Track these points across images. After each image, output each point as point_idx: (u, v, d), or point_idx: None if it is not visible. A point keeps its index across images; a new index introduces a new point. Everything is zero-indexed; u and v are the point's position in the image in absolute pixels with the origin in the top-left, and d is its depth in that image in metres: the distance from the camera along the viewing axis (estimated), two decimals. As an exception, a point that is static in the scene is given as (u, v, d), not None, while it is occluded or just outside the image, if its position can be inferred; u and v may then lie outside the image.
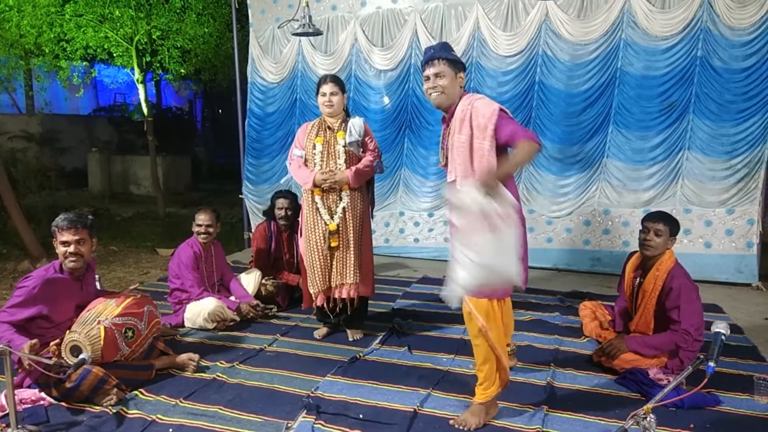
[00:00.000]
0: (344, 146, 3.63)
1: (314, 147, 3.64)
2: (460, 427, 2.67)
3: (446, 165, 2.82)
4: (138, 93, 9.47)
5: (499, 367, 2.66)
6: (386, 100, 6.15)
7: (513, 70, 5.58)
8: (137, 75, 9.01)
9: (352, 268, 3.69)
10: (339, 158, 3.65)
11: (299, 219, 4.82)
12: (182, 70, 9.50)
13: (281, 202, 4.66)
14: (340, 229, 3.66)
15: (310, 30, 4.26)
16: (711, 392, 2.93)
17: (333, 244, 3.66)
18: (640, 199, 5.34)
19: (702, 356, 2.09)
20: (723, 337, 2.11)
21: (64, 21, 7.91)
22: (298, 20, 4.30)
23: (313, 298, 3.76)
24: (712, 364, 2.02)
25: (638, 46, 5.22)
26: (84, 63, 9.35)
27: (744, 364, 3.39)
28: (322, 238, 3.65)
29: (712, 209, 5.16)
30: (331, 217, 3.65)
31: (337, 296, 3.75)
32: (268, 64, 6.59)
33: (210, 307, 3.94)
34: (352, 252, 3.68)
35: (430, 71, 2.69)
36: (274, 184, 6.46)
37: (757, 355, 3.56)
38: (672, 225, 3.21)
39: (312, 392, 3.00)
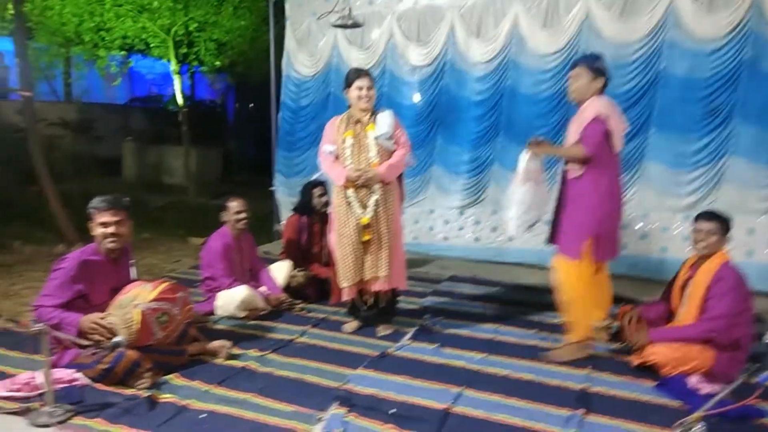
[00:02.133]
0: (375, 139, 3.61)
1: (344, 141, 3.63)
2: (552, 359, 3.35)
3: None
4: (173, 84, 9.58)
5: (580, 316, 3.34)
6: (417, 97, 6.10)
7: (551, 69, 5.48)
8: (173, 66, 9.11)
9: (385, 261, 3.65)
10: (370, 152, 3.62)
11: (329, 212, 4.84)
12: (218, 63, 9.58)
13: (320, 189, 4.68)
14: (372, 222, 3.62)
15: (350, 22, 4.23)
16: (756, 404, 2.81)
17: (366, 238, 3.62)
18: (680, 204, 5.18)
19: (753, 367, 2.01)
20: (776, 347, 2.03)
21: (104, 10, 8.04)
22: (337, 12, 4.28)
23: (345, 293, 3.72)
24: (766, 374, 1.95)
25: (683, 47, 5.06)
26: (121, 53, 9.48)
27: (790, 377, 3.27)
28: (354, 231, 3.62)
29: (755, 217, 4.98)
30: (364, 211, 3.62)
31: (370, 290, 3.72)
32: (303, 57, 6.59)
33: (241, 296, 3.95)
34: (384, 245, 3.65)
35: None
36: (306, 177, 6.46)
37: (802, 368, 3.42)
38: (724, 223, 3.16)
39: (343, 385, 2.98)
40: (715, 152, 5.08)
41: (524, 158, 3.36)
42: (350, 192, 3.61)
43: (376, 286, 3.71)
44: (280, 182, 6.87)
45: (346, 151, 3.63)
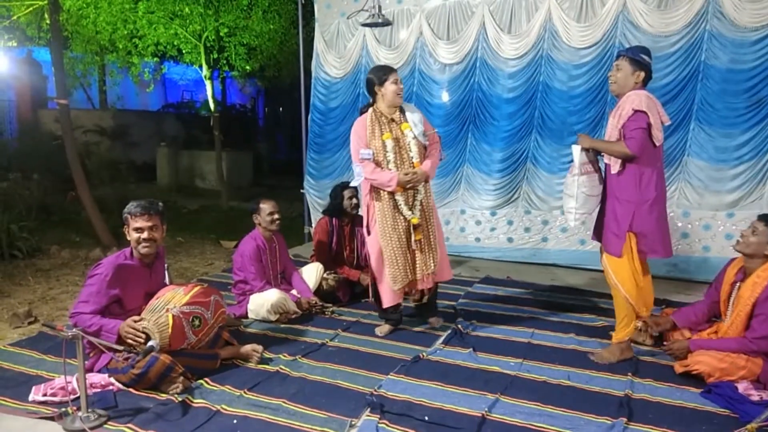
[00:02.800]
0: (414, 138, 3.58)
1: (384, 145, 3.55)
2: (598, 361, 3.30)
3: None
4: (205, 90, 9.70)
5: (634, 312, 3.26)
6: (446, 96, 6.01)
7: (586, 63, 5.33)
8: (205, 71, 9.21)
9: (432, 258, 3.66)
10: (410, 151, 3.58)
11: (360, 214, 4.80)
12: (248, 67, 9.65)
13: (350, 192, 4.63)
14: (421, 221, 3.62)
15: (380, 20, 4.17)
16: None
17: (418, 237, 3.61)
18: (722, 202, 4.99)
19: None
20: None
21: (137, 18, 8.16)
22: (367, 11, 4.23)
23: (395, 296, 3.68)
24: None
25: (724, 37, 4.87)
26: (154, 59, 9.63)
27: None
28: (404, 233, 3.58)
29: (803, 214, 4.76)
30: (411, 211, 3.59)
31: (421, 288, 3.72)
32: (332, 58, 6.57)
33: (273, 299, 3.94)
34: (432, 242, 3.66)
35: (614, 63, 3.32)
36: (335, 179, 6.44)
37: None
38: None
39: (375, 390, 2.92)
40: (760, 147, 4.88)
41: (577, 151, 3.31)
42: (398, 195, 3.56)
43: (427, 284, 3.69)
44: (310, 185, 6.86)
45: (389, 154, 3.55)
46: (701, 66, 4.98)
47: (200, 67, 9.28)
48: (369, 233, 3.69)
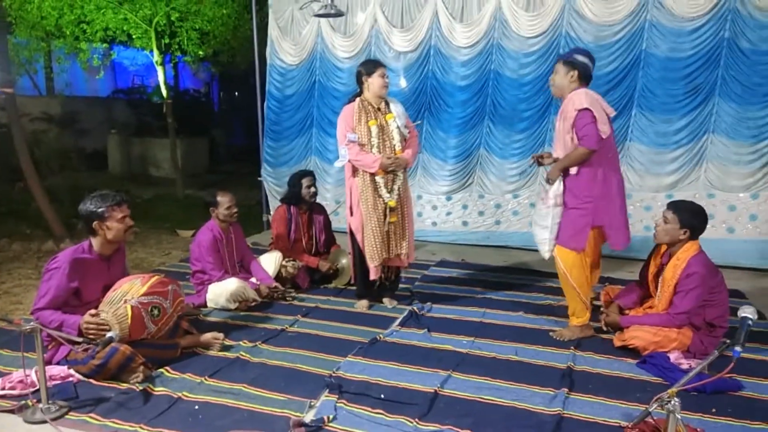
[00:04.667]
0: (398, 128, 3.85)
1: (370, 130, 3.81)
2: (558, 338, 3.50)
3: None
4: (156, 75, 9.49)
5: (583, 301, 3.44)
6: (403, 83, 6.10)
7: (535, 52, 5.50)
8: (156, 57, 9.02)
9: (404, 240, 3.98)
10: (393, 139, 3.87)
11: (318, 202, 4.87)
12: (200, 52, 9.49)
13: (309, 180, 4.71)
14: (397, 205, 3.91)
15: (332, 11, 4.23)
16: (733, 377, 2.91)
17: (393, 220, 3.90)
18: (662, 183, 5.27)
19: (727, 341, 2.09)
20: (750, 323, 2.11)
21: (84, 2, 7.91)
22: (319, 1, 4.27)
23: (374, 272, 3.94)
24: (738, 348, 2.02)
25: (664, 27, 5.12)
26: (103, 45, 9.35)
27: (767, 349, 3.36)
28: (382, 214, 3.87)
29: (736, 194, 5.08)
30: (389, 194, 3.87)
31: (392, 265, 4.05)
32: (287, 45, 6.55)
33: (232, 288, 3.98)
34: (405, 225, 3.99)
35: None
36: (293, 166, 6.47)
37: (780, 341, 3.52)
38: (684, 215, 3.15)
39: (334, 372, 3.03)
40: (697, 131, 5.17)
41: (555, 185, 3.39)
42: (379, 178, 3.84)
43: (397, 263, 4.05)
44: (267, 172, 6.87)
45: (374, 139, 3.81)
46: (642, 54, 5.23)
47: (151, 52, 9.07)
48: (352, 214, 3.94)
